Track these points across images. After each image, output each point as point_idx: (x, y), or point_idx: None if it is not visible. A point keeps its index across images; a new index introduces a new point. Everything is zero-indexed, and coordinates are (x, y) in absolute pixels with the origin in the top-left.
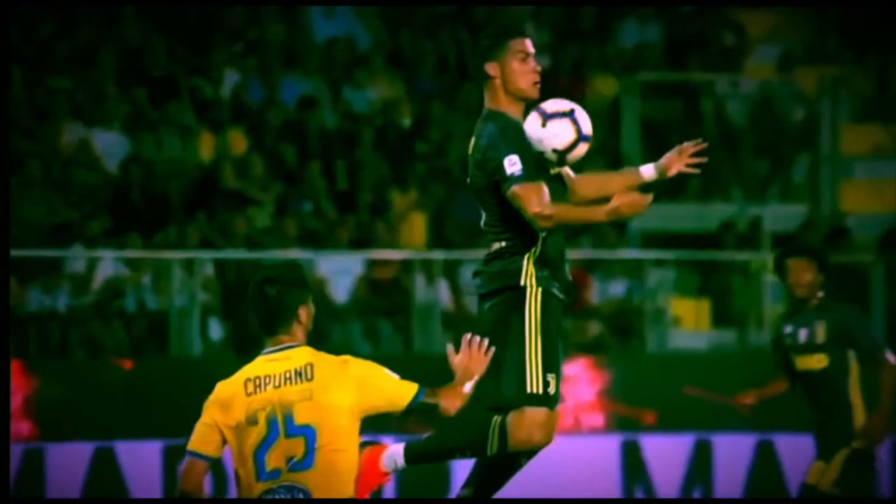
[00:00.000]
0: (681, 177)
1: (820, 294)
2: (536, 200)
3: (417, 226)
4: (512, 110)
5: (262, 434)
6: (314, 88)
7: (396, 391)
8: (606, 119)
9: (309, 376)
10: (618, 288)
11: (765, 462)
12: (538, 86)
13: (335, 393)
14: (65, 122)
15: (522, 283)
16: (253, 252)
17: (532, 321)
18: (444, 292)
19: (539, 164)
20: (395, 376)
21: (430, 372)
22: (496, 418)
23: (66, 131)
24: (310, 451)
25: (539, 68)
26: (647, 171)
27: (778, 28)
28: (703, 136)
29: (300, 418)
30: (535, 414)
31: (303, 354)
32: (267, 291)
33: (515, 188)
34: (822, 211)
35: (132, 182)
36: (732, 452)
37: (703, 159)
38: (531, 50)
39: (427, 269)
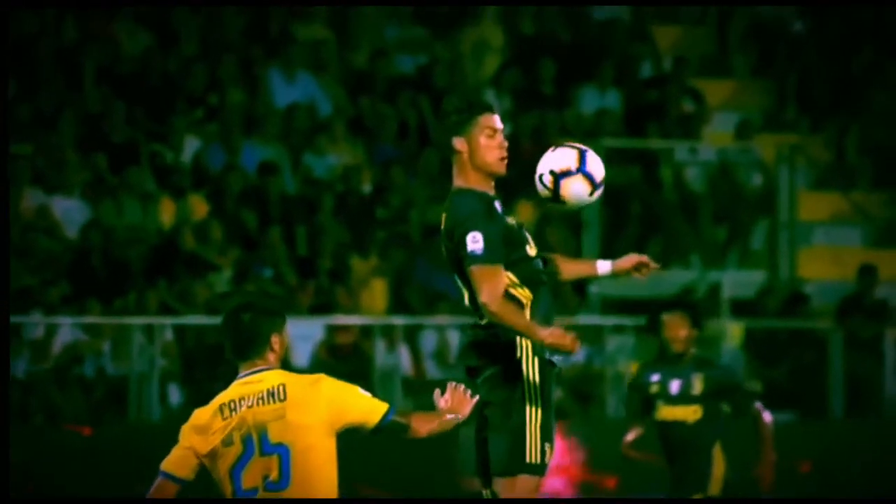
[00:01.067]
0: (640, 243)
1: (693, 350)
2: (488, 289)
3: (378, 291)
4: (480, 185)
5: (238, 453)
6: (275, 154)
7: (367, 408)
8: None
9: (282, 396)
10: (578, 354)
11: None
12: (505, 161)
13: (307, 412)
14: (25, 187)
15: (518, 355)
16: (213, 318)
17: (531, 391)
18: (404, 358)
19: (508, 241)
20: (368, 394)
21: (390, 438)
22: (486, 493)
23: (27, 197)
24: (284, 470)
25: (506, 144)
26: (603, 267)
27: (736, 96)
28: (663, 203)
29: (274, 437)
30: (529, 482)
31: (275, 376)
32: (241, 318)
33: (473, 268)
34: (781, 277)
35: (92, 248)
36: None
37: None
38: (499, 125)
39: (387, 334)
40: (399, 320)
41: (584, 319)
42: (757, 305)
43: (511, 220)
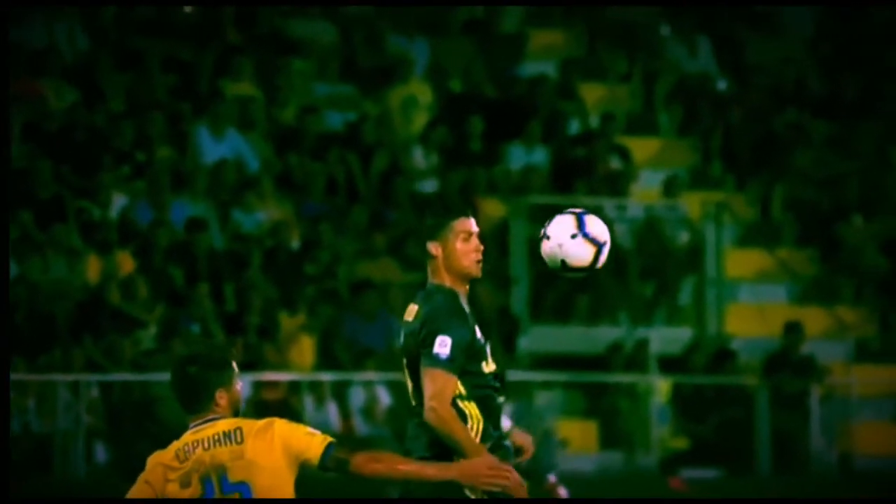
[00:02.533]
0: (568, 299)
1: None
2: (438, 392)
3: (306, 347)
4: (455, 287)
5: (197, 493)
6: (203, 210)
7: (313, 443)
8: (495, 241)
9: (238, 439)
10: (506, 409)
11: None
12: (481, 264)
13: (264, 454)
14: None
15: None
16: (139, 374)
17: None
18: (333, 414)
19: (470, 353)
20: (315, 432)
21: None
22: None
23: None
24: None
25: (482, 247)
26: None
27: (662, 153)
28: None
29: (234, 476)
30: None
31: (228, 422)
32: (186, 371)
33: (433, 370)
34: (708, 333)
35: (18, 304)
36: None
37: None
38: (474, 229)
39: (316, 390)
40: (327, 376)
41: (513, 375)
42: (684, 361)
43: (479, 334)
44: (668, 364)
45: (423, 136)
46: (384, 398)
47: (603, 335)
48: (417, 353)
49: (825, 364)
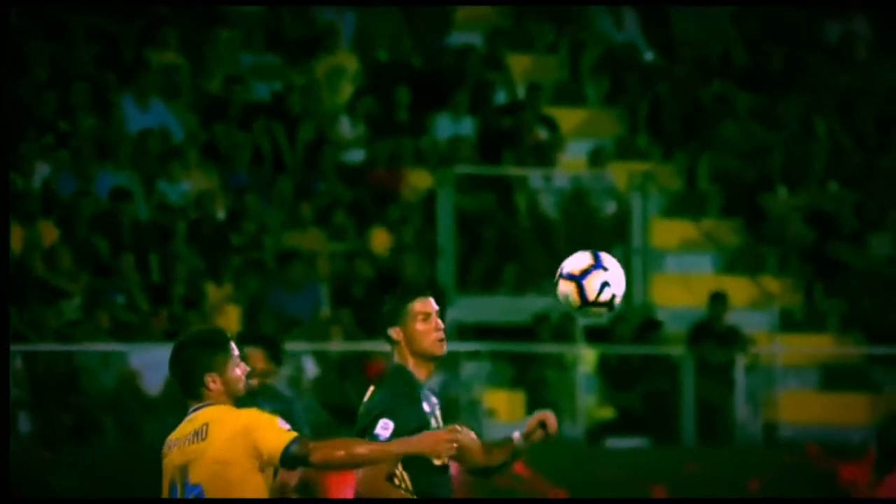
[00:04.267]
0: (495, 269)
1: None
2: (370, 474)
3: (231, 318)
4: (419, 370)
5: (168, 494)
6: (127, 180)
7: (277, 439)
8: (421, 212)
9: (203, 436)
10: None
11: None
12: (444, 342)
13: (226, 448)
14: None
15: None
16: (63, 345)
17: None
18: None
19: None
20: (285, 427)
21: None
22: None
23: None
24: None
25: (442, 325)
26: (517, 437)
27: (589, 124)
28: (517, 229)
29: (193, 478)
30: None
31: (205, 415)
32: (179, 355)
33: None
34: (634, 304)
35: None
36: None
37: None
38: (433, 308)
39: (242, 361)
40: None
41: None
42: (610, 331)
43: (434, 423)
44: (595, 334)
45: (349, 107)
46: (310, 368)
47: (530, 305)
48: (362, 432)
49: (750, 334)
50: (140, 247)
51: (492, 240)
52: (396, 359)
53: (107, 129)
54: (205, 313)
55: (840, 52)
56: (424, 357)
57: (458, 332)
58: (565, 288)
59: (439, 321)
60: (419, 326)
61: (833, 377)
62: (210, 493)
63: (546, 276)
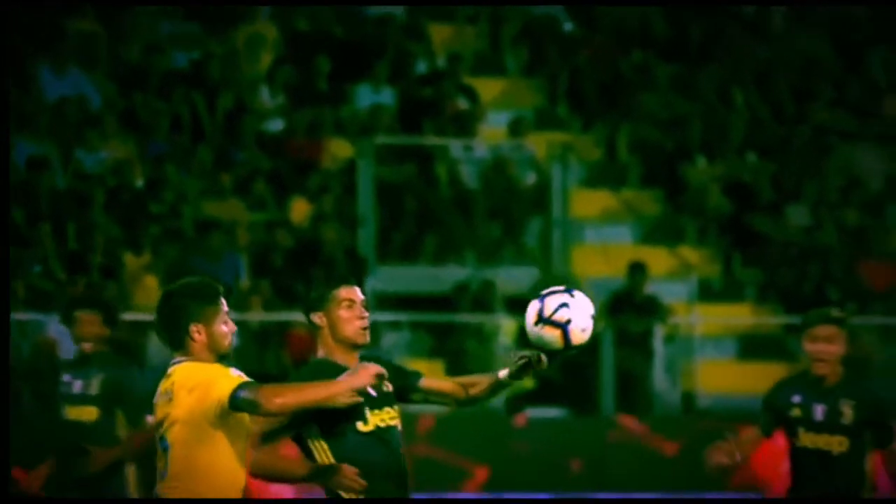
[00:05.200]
0: (415, 239)
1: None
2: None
3: (150, 287)
4: (341, 357)
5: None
6: (44, 149)
7: (225, 385)
8: (341, 182)
9: (170, 396)
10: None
11: None
12: (367, 331)
13: (185, 409)
14: None
15: None
16: None
17: None
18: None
19: (333, 410)
20: (233, 374)
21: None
22: None
23: None
24: (166, 464)
25: (367, 313)
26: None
27: (509, 94)
28: (438, 199)
29: (167, 435)
30: None
31: (176, 373)
32: (163, 304)
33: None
34: (554, 273)
35: None
36: None
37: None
38: (358, 297)
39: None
40: None
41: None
42: (531, 301)
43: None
44: (515, 304)
45: (269, 76)
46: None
47: (449, 275)
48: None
49: (668, 304)
50: (57, 215)
51: (412, 210)
52: (319, 347)
53: (24, 98)
54: (123, 282)
55: (757, 23)
56: (347, 344)
57: (378, 301)
58: (530, 307)
59: (364, 310)
60: (343, 313)
61: (750, 347)
62: (176, 451)
63: (466, 245)
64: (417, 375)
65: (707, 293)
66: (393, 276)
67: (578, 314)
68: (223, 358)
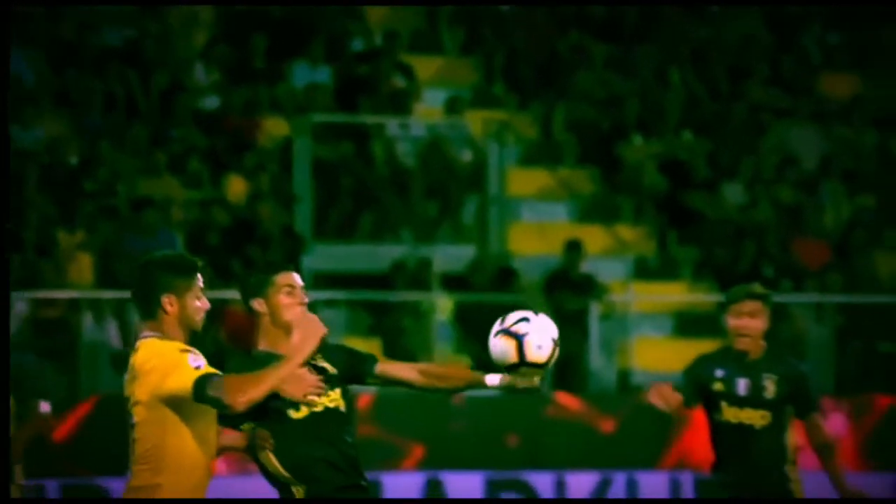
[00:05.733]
0: (352, 217)
1: None
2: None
3: (84, 265)
4: (282, 345)
5: None
6: None
7: (185, 378)
8: (277, 160)
9: (134, 373)
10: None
11: None
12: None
13: (142, 388)
14: None
15: None
16: None
17: None
18: (112, 331)
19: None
20: (194, 364)
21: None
22: None
23: None
24: (134, 441)
25: (306, 300)
26: (492, 380)
27: (445, 72)
28: (374, 177)
29: (132, 412)
30: None
31: (140, 349)
32: (141, 272)
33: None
34: (490, 252)
35: None
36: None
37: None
38: (298, 282)
39: (95, 308)
40: (108, 294)
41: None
42: (467, 279)
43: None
44: (451, 282)
45: (204, 53)
46: None
47: (386, 253)
48: None
49: (604, 282)
50: None
51: (348, 188)
52: (260, 336)
53: None
54: (57, 260)
55: (692, 3)
56: (287, 330)
57: (314, 280)
58: (496, 323)
59: (304, 295)
60: (283, 299)
61: (686, 324)
62: (140, 432)
63: (403, 224)
64: (373, 360)
65: (643, 271)
66: (329, 255)
67: (537, 331)
68: (194, 334)
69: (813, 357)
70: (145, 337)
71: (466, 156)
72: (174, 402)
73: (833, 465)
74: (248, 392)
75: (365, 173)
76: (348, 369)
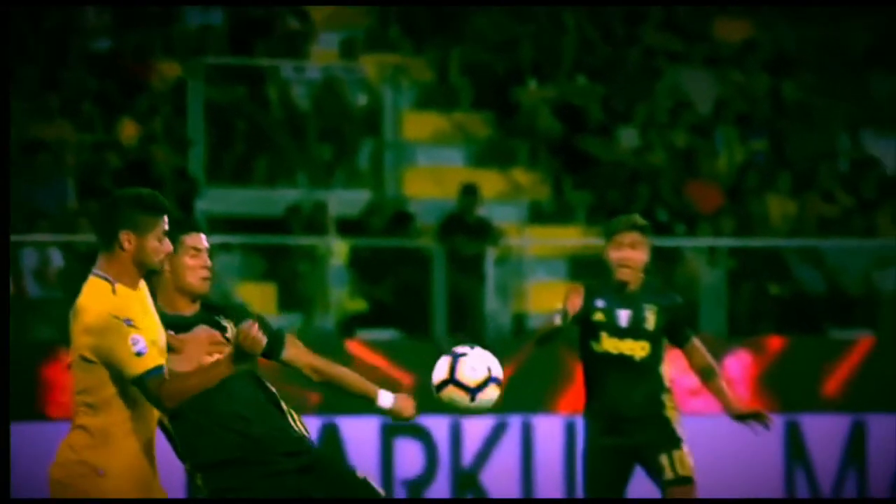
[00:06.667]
0: (246, 161)
1: None
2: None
3: None
4: (180, 304)
5: None
6: None
7: (129, 363)
8: (171, 102)
9: (75, 316)
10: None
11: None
12: (208, 280)
13: (78, 343)
14: None
15: None
16: None
17: None
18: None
19: None
20: (136, 347)
21: None
22: None
23: None
24: (75, 379)
25: (210, 264)
26: (384, 399)
27: (340, 14)
28: (269, 121)
29: (72, 348)
30: None
31: (86, 287)
32: (105, 203)
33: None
34: (386, 196)
35: None
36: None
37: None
38: (204, 245)
39: None
40: None
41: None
42: (362, 224)
43: None
44: (347, 226)
45: None
46: (56, 260)
47: (281, 197)
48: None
49: (500, 226)
50: None
51: (243, 131)
52: (158, 295)
53: None
54: None
55: None
56: (186, 292)
57: (208, 224)
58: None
59: (208, 259)
60: (188, 261)
61: (580, 268)
62: (78, 386)
63: (298, 167)
64: (282, 343)
65: (538, 215)
66: (224, 198)
67: (477, 356)
68: (151, 273)
69: (706, 300)
70: (95, 275)
71: (362, 100)
72: (112, 367)
73: (718, 385)
74: (183, 393)
75: (259, 116)
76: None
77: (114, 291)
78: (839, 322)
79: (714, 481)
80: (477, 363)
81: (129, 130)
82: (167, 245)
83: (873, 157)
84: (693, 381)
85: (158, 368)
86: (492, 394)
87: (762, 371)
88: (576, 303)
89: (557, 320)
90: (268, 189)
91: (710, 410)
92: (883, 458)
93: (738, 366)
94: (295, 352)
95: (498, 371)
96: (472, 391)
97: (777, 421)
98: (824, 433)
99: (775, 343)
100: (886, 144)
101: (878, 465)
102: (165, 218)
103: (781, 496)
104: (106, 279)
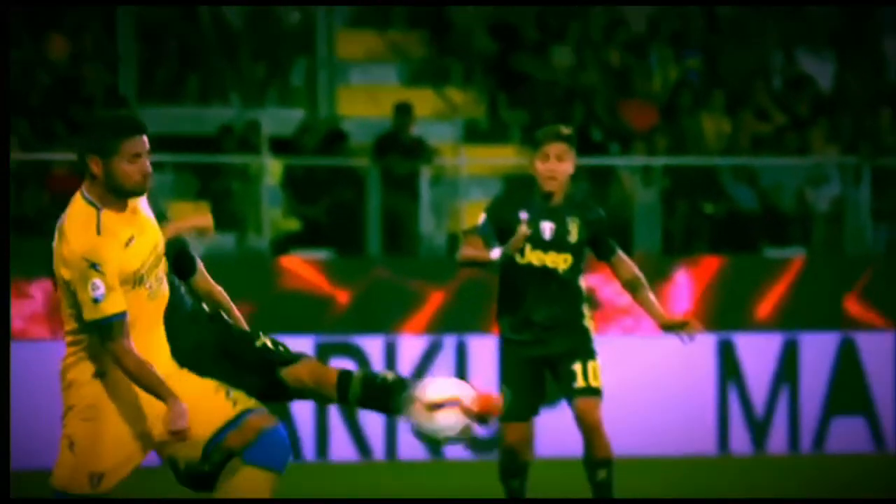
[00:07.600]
0: (178, 79)
1: None
2: None
3: None
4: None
5: None
6: None
7: (86, 306)
8: (101, 19)
9: (59, 236)
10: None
11: None
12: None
13: (60, 267)
14: None
15: None
16: None
17: None
18: None
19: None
20: (94, 293)
21: None
22: None
23: None
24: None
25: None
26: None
27: None
28: (201, 39)
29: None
30: None
31: (69, 209)
32: (81, 127)
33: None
34: (320, 115)
35: None
36: None
37: None
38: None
39: None
40: None
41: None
42: (296, 143)
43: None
44: (280, 145)
45: None
46: None
47: (214, 116)
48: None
49: (435, 145)
50: None
51: (175, 49)
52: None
53: None
54: None
55: None
56: (120, 193)
57: None
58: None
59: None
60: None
61: (515, 187)
62: (64, 312)
63: (231, 86)
64: (193, 269)
65: (473, 134)
66: (155, 117)
67: (443, 380)
68: (134, 195)
69: (641, 219)
70: (83, 196)
71: (294, 17)
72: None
73: (645, 297)
74: (137, 369)
75: (191, 34)
76: (173, 262)
77: (98, 220)
78: (773, 240)
79: (648, 399)
80: (441, 385)
81: (58, 47)
82: (143, 166)
83: (807, 74)
84: (625, 298)
85: (112, 317)
86: (455, 422)
87: (697, 290)
88: (520, 242)
89: (496, 255)
90: (200, 107)
91: (643, 330)
92: (815, 377)
93: (672, 285)
94: (201, 283)
95: (470, 397)
96: (431, 406)
97: (711, 339)
98: (757, 351)
99: (710, 262)
100: (820, 62)
101: (809, 384)
102: (140, 139)
103: (714, 414)
104: (91, 203)
